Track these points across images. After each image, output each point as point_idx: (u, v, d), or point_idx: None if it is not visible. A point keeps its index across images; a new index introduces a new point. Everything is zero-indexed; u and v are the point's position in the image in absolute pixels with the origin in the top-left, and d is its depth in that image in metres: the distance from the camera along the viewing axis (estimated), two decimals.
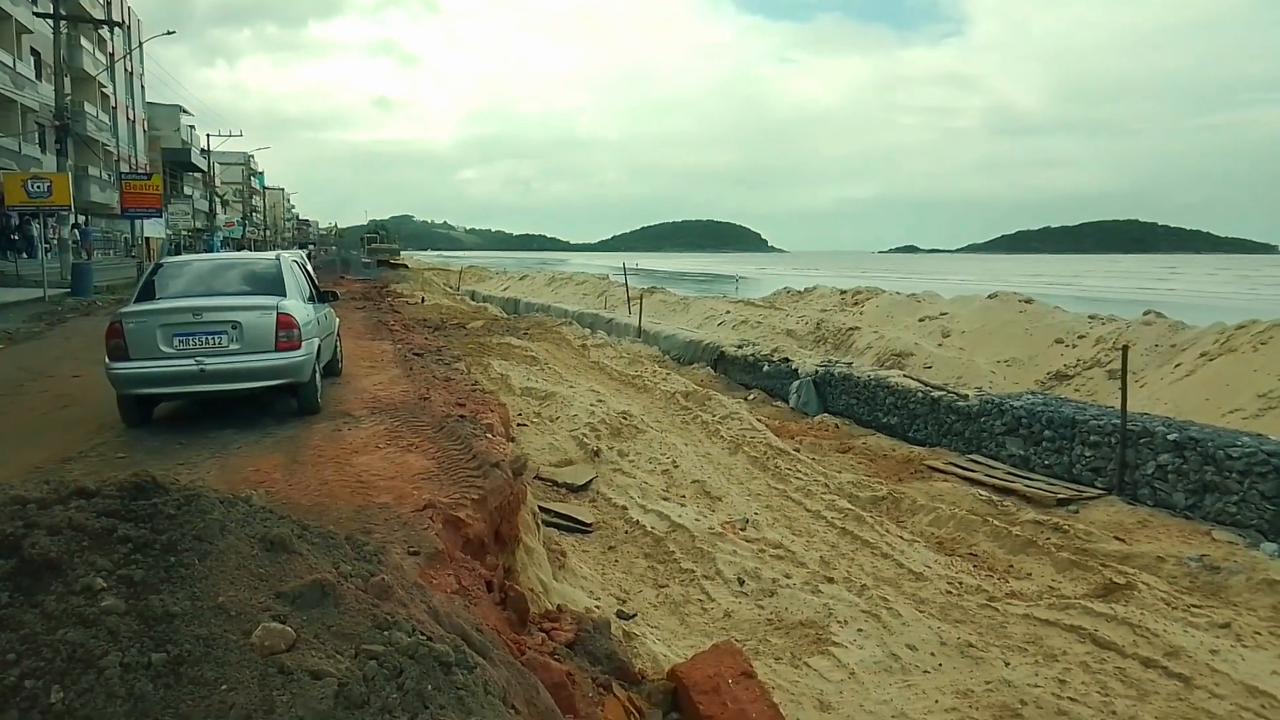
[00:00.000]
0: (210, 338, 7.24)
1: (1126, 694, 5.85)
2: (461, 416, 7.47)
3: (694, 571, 7.80)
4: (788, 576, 7.69)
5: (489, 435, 6.94)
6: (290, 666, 1.70)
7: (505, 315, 30.27)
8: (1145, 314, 18.47)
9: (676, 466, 10.91)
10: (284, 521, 2.38)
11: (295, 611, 1.92)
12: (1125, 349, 11.94)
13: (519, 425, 11.92)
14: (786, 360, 18.29)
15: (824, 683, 5.95)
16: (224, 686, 1.64)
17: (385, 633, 1.89)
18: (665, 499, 9.76)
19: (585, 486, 10.14)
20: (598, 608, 6.34)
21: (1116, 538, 9.26)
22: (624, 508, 9.40)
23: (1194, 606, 7.27)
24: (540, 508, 8.26)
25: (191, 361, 7.10)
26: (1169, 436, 10.28)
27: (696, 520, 8.93)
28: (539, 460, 10.76)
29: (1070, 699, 5.74)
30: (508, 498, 5.71)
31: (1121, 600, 7.33)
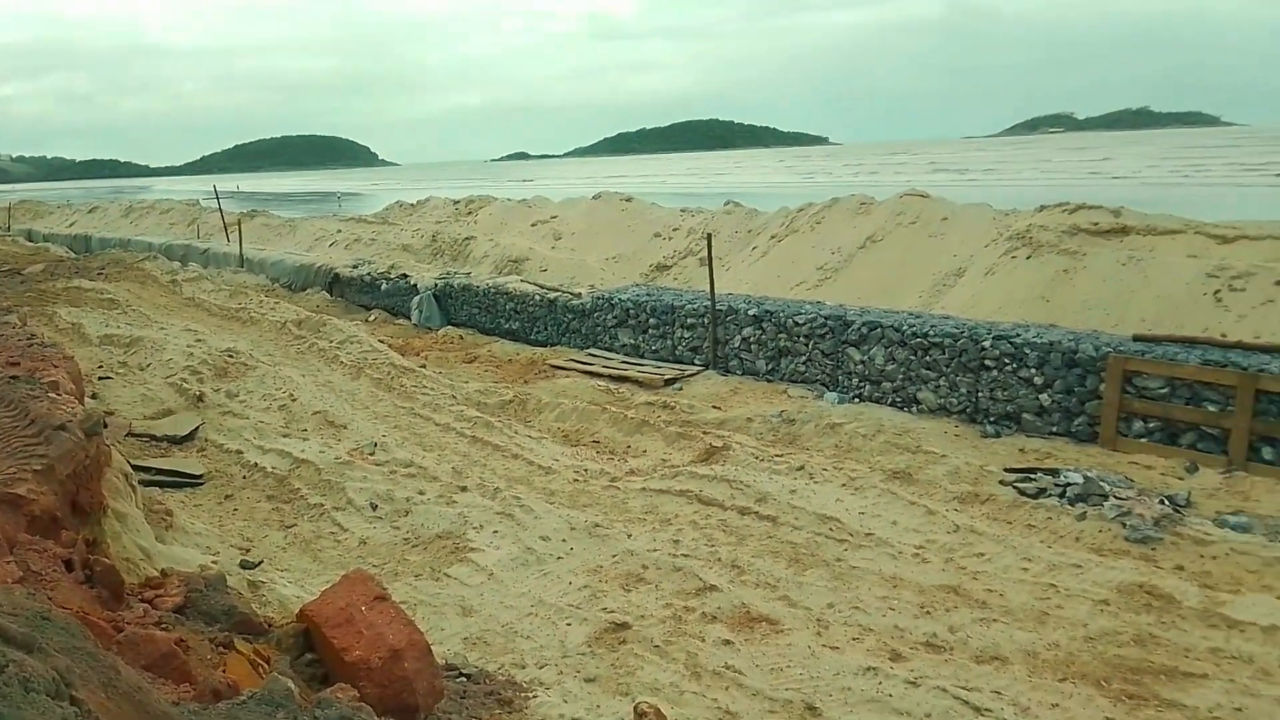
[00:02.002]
0: None
1: (728, 541, 6.65)
2: (14, 378, 6.35)
3: (323, 505, 7.49)
4: (421, 493, 7.67)
5: (52, 395, 5.98)
6: None
7: (73, 255, 26.20)
8: (726, 204, 20.49)
9: (295, 400, 10.30)
10: None
11: None
12: (710, 237, 13.18)
13: (101, 379, 10.50)
14: (405, 276, 17.86)
15: (465, 588, 6.07)
16: None
17: None
18: (285, 435, 9.20)
19: (191, 436, 9.23)
20: (215, 563, 5.87)
21: (714, 407, 10.39)
22: (239, 452, 8.72)
23: (777, 456, 8.40)
24: (136, 466, 7.39)
25: None
26: (750, 312, 11.62)
27: (321, 452, 8.55)
28: (130, 415, 9.60)
29: (684, 555, 6.41)
30: (82, 462, 5.00)
31: (720, 461, 8.27)
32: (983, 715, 4.36)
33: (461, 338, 15.39)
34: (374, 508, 7.41)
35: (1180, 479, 7.71)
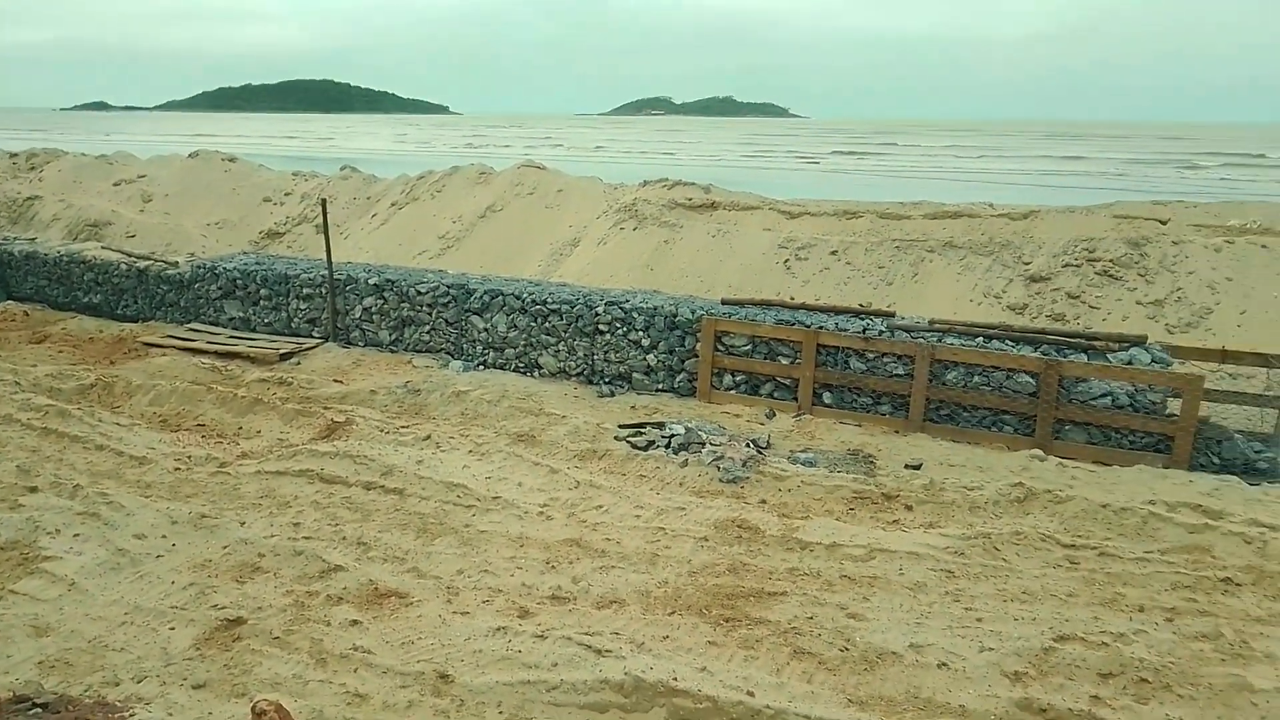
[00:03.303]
0: None
1: (353, 518, 6.43)
2: None
3: None
4: None
5: None
6: None
7: None
8: (342, 169, 19.57)
9: None
10: None
11: None
12: (324, 203, 12.50)
13: None
14: None
15: (38, 605, 5.24)
16: None
17: None
18: None
19: None
20: None
21: (336, 380, 9.94)
22: None
23: (403, 428, 8.26)
24: None
25: None
26: (371, 281, 11.24)
27: None
28: None
29: (305, 538, 6.08)
30: None
31: (343, 436, 7.96)
32: (603, 656, 4.67)
33: (27, 314, 13.16)
34: None
35: (762, 424, 8.82)
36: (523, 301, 10.35)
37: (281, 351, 10.91)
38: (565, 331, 10.14)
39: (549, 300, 10.23)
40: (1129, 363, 8.12)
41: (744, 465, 7.46)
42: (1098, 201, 13.27)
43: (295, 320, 11.83)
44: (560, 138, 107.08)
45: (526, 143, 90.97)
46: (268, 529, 6.21)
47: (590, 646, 4.75)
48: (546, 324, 10.23)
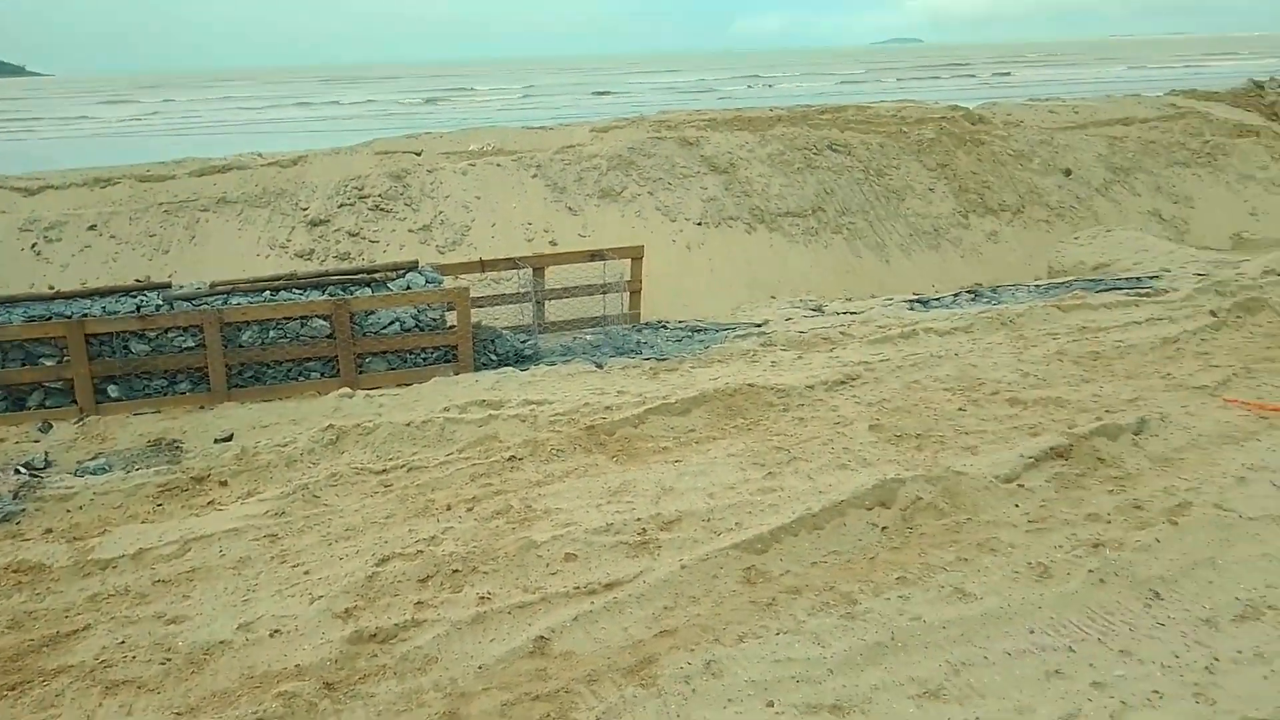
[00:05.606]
0: None
1: None
2: None
3: None
4: None
5: None
6: None
7: None
8: None
9: None
10: None
11: None
12: None
13: None
14: None
15: None
16: None
17: None
18: None
19: None
20: None
21: None
22: None
23: None
24: None
25: None
26: None
27: None
28: None
29: None
30: None
31: None
32: None
33: None
34: None
35: (37, 441, 7.51)
36: None
37: None
38: None
39: None
40: (407, 288, 8.72)
41: (16, 497, 6.27)
42: (360, 141, 13.84)
43: None
44: None
45: None
46: None
47: None
48: None
